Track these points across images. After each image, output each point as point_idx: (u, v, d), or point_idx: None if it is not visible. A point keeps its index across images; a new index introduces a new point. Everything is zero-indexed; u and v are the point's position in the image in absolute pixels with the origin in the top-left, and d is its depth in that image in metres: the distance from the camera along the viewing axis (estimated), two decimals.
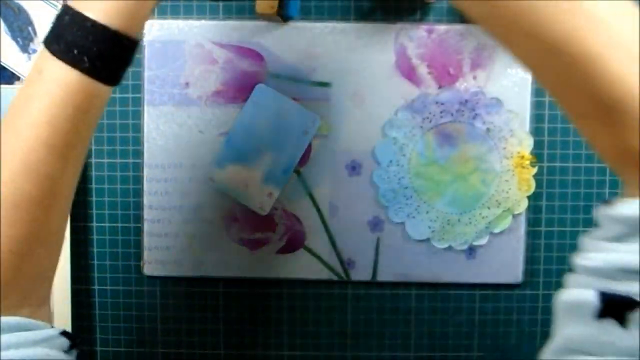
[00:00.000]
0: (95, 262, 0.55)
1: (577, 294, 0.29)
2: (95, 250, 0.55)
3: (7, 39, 0.52)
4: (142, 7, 0.34)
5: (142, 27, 0.36)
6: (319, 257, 0.54)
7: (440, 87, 0.53)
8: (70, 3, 0.33)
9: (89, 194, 0.55)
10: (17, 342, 0.32)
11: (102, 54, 0.33)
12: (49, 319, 0.36)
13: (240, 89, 0.53)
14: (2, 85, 0.52)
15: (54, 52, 0.33)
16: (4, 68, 0.52)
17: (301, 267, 0.54)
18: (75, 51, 0.33)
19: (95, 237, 0.55)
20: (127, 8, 0.34)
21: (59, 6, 0.52)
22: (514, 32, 0.30)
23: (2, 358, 0.30)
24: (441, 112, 0.53)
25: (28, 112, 0.33)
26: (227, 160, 0.53)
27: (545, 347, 0.30)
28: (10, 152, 0.33)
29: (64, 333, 0.34)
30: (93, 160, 0.54)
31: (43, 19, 0.52)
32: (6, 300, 0.33)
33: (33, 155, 0.33)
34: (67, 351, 0.34)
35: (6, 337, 0.31)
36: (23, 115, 0.33)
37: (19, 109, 0.34)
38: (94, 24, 0.33)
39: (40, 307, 0.35)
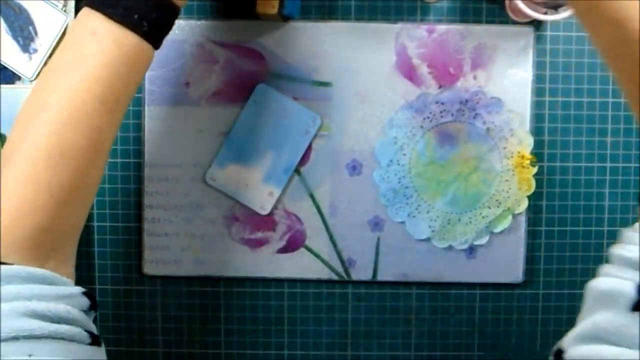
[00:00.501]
0: (96, 261, 0.55)
1: (614, 283, 0.29)
2: (95, 249, 0.55)
3: (7, 38, 0.52)
4: None
5: None
6: (319, 257, 0.54)
7: (440, 86, 0.53)
8: None
9: None
10: (40, 293, 0.32)
11: (158, 20, 0.37)
12: (72, 276, 0.37)
13: (241, 88, 0.53)
14: (3, 85, 0.52)
15: (110, 15, 0.35)
16: (5, 68, 0.52)
17: (302, 266, 0.54)
18: (136, 16, 0.36)
19: (95, 236, 0.55)
20: None
21: (60, 6, 0.52)
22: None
23: (26, 307, 0.31)
24: (441, 112, 0.53)
25: (82, 68, 0.35)
26: (227, 160, 0.53)
27: (570, 333, 0.30)
28: (61, 104, 0.35)
29: (85, 293, 0.35)
30: None
31: (44, 19, 0.52)
32: (37, 248, 0.34)
33: (85, 109, 0.35)
34: (87, 312, 0.35)
35: (31, 287, 0.32)
36: (76, 70, 0.35)
37: (69, 65, 0.36)
38: None
39: (64, 263, 0.36)
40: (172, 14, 0.38)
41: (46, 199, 0.34)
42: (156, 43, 0.38)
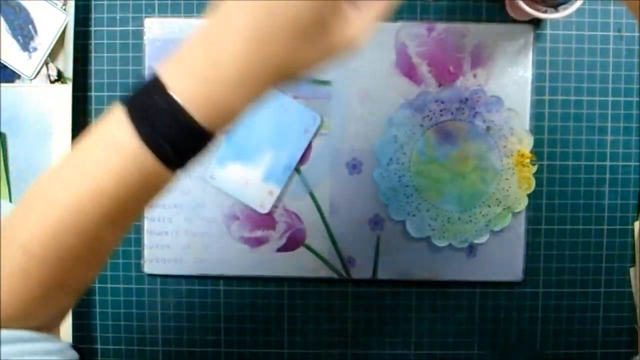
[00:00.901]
0: None
1: None
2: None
3: (7, 37, 0.52)
4: (237, 111, 0.34)
5: (227, 128, 0.35)
6: (319, 255, 0.54)
7: (440, 85, 0.53)
8: (165, 82, 0.32)
9: None
10: (31, 350, 0.33)
11: (186, 147, 0.33)
12: (58, 334, 0.37)
13: None
14: (3, 84, 0.52)
15: (139, 132, 0.31)
16: (5, 66, 0.52)
17: (301, 265, 0.54)
18: (162, 140, 0.32)
19: None
20: (225, 110, 0.33)
21: (60, 5, 0.52)
22: None
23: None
24: (441, 111, 0.53)
25: (97, 178, 0.32)
26: (227, 159, 0.53)
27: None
28: (67, 207, 0.33)
29: (73, 346, 0.35)
30: None
31: (43, 18, 0.52)
32: (27, 324, 0.34)
33: (90, 220, 0.33)
34: None
35: (22, 345, 0.32)
36: (91, 178, 0.33)
37: (87, 168, 0.33)
38: (189, 121, 0.32)
39: (52, 329, 0.36)
40: (204, 141, 0.33)
41: (36, 292, 0.33)
42: (178, 168, 0.34)
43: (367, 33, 0.35)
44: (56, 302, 0.35)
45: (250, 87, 0.33)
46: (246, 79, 0.33)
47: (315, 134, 0.53)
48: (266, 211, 0.54)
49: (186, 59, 0.33)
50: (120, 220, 0.34)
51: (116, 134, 0.32)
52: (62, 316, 0.37)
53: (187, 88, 0.32)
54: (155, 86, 0.32)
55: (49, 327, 0.36)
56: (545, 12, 0.49)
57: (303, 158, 0.53)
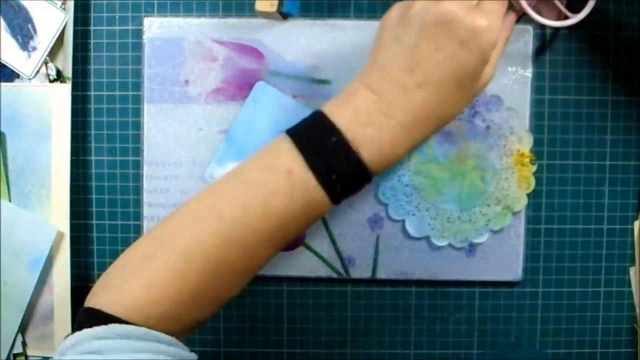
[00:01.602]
0: (96, 259, 0.55)
1: None
2: (95, 247, 0.55)
3: (6, 36, 0.52)
4: (399, 156, 0.38)
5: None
6: (318, 255, 0.54)
7: None
8: (338, 123, 0.36)
9: (89, 192, 0.55)
10: (167, 351, 0.35)
11: (351, 183, 0.37)
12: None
13: (240, 86, 0.53)
14: (2, 83, 0.52)
15: (312, 166, 0.36)
16: (4, 66, 0.52)
17: (301, 264, 0.54)
18: (334, 177, 0.36)
19: (95, 234, 0.55)
20: (389, 154, 0.37)
21: (59, 4, 0.52)
22: None
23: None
24: None
25: (266, 200, 0.36)
26: (227, 158, 0.53)
27: None
28: (234, 222, 0.36)
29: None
30: (93, 157, 0.54)
31: (43, 17, 0.52)
32: (166, 327, 0.36)
33: (253, 237, 0.36)
34: None
35: (159, 345, 0.35)
36: (260, 198, 0.36)
37: (255, 189, 0.36)
38: (360, 163, 0.36)
39: (182, 337, 0.38)
40: (367, 180, 0.37)
41: (187, 298, 0.36)
42: (339, 201, 0.38)
43: (495, 69, 0.40)
44: (202, 310, 0.37)
45: (413, 135, 0.37)
46: (411, 127, 0.37)
47: None
48: None
49: (357, 105, 0.37)
50: (278, 240, 0.37)
51: (288, 163, 0.36)
52: (199, 325, 0.39)
53: (359, 132, 0.36)
54: (327, 125, 0.36)
55: (183, 334, 0.38)
56: (566, 17, 0.49)
57: None
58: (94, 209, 0.55)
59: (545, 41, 0.53)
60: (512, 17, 0.42)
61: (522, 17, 0.52)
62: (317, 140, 0.36)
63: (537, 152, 0.53)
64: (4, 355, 0.52)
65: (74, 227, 0.53)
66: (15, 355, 0.53)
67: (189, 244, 0.36)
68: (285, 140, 0.37)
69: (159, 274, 0.35)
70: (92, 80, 0.54)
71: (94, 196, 0.55)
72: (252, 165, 0.38)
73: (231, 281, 0.37)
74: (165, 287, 0.35)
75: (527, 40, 0.53)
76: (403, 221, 0.54)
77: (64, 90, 0.52)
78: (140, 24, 0.53)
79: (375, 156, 0.36)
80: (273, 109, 0.53)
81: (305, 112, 0.53)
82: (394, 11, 0.39)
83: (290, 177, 0.36)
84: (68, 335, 0.35)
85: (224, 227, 0.36)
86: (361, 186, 0.38)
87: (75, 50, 0.53)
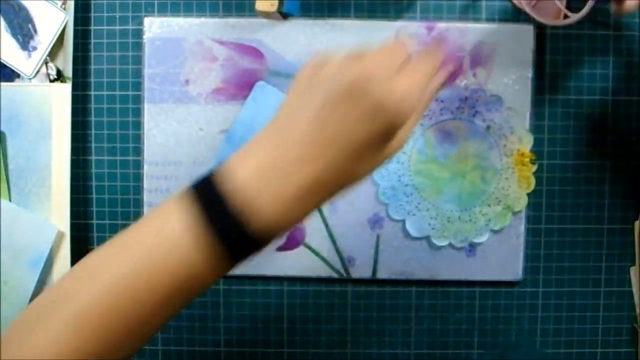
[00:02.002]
0: None
1: None
2: (95, 247, 0.55)
3: (7, 36, 0.52)
4: (294, 223, 0.36)
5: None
6: (319, 255, 0.54)
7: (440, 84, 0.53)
8: (234, 192, 0.34)
9: (89, 192, 0.55)
10: None
11: (243, 257, 0.35)
12: None
13: (240, 86, 0.53)
14: (3, 83, 0.52)
15: (202, 232, 0.33)
16: (4, 65, 0.52)
17: (301, 264, 0.54)
18: (224, 244, 0.33)
19: (95, 234, 0.55)
20: (285, 221, 0.35)
21: (59, 4, 0.52)
22: None
23: None
24: (441, 110, 0.53)
25: (150, 268, 0.34)
26: (227, 158, 0.53)
27: None
28: (117, 290, 0.34)
29: None
30: (93, 157, 0.54)
31: (43, 17, 0.52)
32: None
33: (141, 304, 0.34)
34: None
35: None
36: (142, 265, 0.34)
37: (137, 257, 0.34)
38: (250, 235, 0.34)
39: None
40: (260, 246, 0.35)
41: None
42: (229, 269, 0.35)
43: (409, 135, 0.38)
44: None
45: (313, 201, 0.36)
46: (311, 193, 0.35)
47: None
48: None
49: (256, 164, 0.35)
50: (167, 305, 0.35)
51: (176, 228, 0.34)
52: None
53: (253, 198, 0.34)
54: (220, 192, 0.34)
55: None
56: (566, 17, 0.49)
57: None
58: (94, 209, 0.55)
59: (546, 41, 0.53)
60: (436, 84, 0.39)
61: (522, 18, 0.52)
62: (209, 206, 0.34)
63: (537, 151, 0.53)
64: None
65: (74, 227, 0.53)
66: None
67: (76, 310, 0.34)
68: (176, 202, 0.35)
69: (45, 343, 0.33)
70: (93, 80, 0.54)
71: (94, 196, 0.55)
72: (141, 228, 0.35)
73: (123, 344, 0.35)
74: (55, 354, 0.33)
75: (527, 40, 0.53)
76: (403, 221, 0.54)
77: (64, 90, 0.52)
78: (141, 23, 0.53)
79: (266, 225, 0.34)
80: (273, 109, 0.53)
81: None
82: (308, 67, 0.38)
83: (178, 241, 0.34)
84: None
85: (111, 292, 0.34)
86: (255, 251, 0.35)
87: (75, 50, 0.53)
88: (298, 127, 0.36)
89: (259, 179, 0.35)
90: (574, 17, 0.48)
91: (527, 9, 0.45)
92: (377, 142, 0.35)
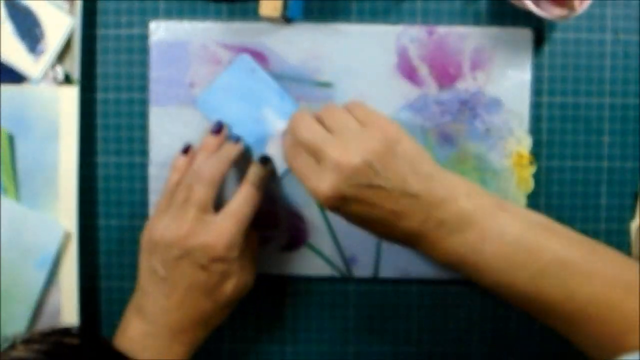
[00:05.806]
0: (102, 259, 0.56)
1: None
2: (102, 248, 0.56)
3: (15, 39, 0.52)
4: None
5: None
6: (321, 254, 0.55)
7: (440, 87, 0.54)
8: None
9: (96, 193, 0.55)
10: None
11: None
12: None
13: None
14: (11, 85, 0.53)
15: None
16: (12, 68, 0.53)
17: (303, 264, 0.55)
18: None
19: (102, 235, 0.56)
20: None
21: (66, 8, 0.52)
22: None
23: None
24: (442, 112, 0.54)
25: None
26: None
27: None
28: None
29: None
30: (99, 159, 0.55)
31: (50, 21, 0.52)
32: None
33: None
34: None
35: None
36: None
37: None
38: None
39: None
40: None
41: None
42: None
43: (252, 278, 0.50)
44: None
45: (184, 347, 0.47)
46: (179, 340, 0.47)
47: None
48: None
49: (131, 336, 0.46)
50: None
51: None
52: None
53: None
54: None
55: None
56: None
57: None
58: (100, 210, 0.55)
59: (544, 45, 0.54)
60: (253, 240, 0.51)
61: (522, 17, 0.52)
62: None
63: (536, 153, 0.54)
64: None
65: (81, 228, 0.54)
66: None
67: None
68: None
69: None
70: (99, 82, 0.55)
71: (101, 197, 0.55)
72: None
73: None
74: None
75: (526, 44, 0.53)
76: None
77: (72, 93, 0.53)
78: (146, 27, 0.54)
79: None
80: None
81: (283, 97, 0.53)
82: (146, 232, 0.48)
83: None
84: None
85: None
86: None
87: (82, 53, 0.53)
88: (154, 294, 0.47)
89: (135, 346, 0.45)
90: (574, 12, 0.47)
91: (527, 4, 0.45)
92: (214, 284, 0.47)
